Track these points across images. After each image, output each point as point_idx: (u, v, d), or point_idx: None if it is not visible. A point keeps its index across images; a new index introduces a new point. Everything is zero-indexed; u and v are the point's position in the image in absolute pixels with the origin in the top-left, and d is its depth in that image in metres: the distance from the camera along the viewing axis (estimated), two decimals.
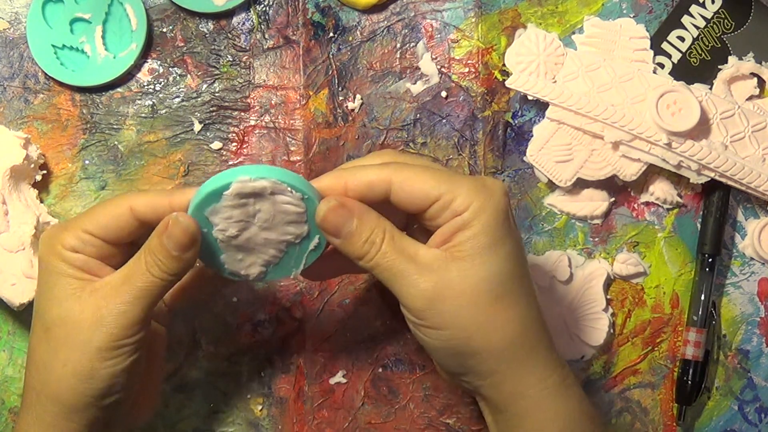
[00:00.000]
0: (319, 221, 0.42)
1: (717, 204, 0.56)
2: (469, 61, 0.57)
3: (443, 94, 0.56)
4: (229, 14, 0.56)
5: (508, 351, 0.42)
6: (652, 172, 0.56)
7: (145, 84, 0.56)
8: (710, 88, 0.56)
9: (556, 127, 0.55)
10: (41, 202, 0.55)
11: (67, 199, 0.55)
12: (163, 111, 0.56)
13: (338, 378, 0.55)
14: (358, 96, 0.56)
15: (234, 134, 0.56)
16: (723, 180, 0.55)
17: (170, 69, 0.56)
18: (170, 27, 0.56)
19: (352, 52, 0.56)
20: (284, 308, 0.55)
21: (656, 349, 0.57)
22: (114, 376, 0.42)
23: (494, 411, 0.44)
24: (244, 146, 0.56)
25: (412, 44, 0.57)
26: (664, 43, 0.57)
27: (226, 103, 0.56)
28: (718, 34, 0.57)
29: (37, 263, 0.44)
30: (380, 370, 0.56)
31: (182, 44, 0.56)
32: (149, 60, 0.56)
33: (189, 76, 0.56)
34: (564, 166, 0.55)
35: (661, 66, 0.56)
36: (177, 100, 0.56)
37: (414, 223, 0.46)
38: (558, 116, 0.55)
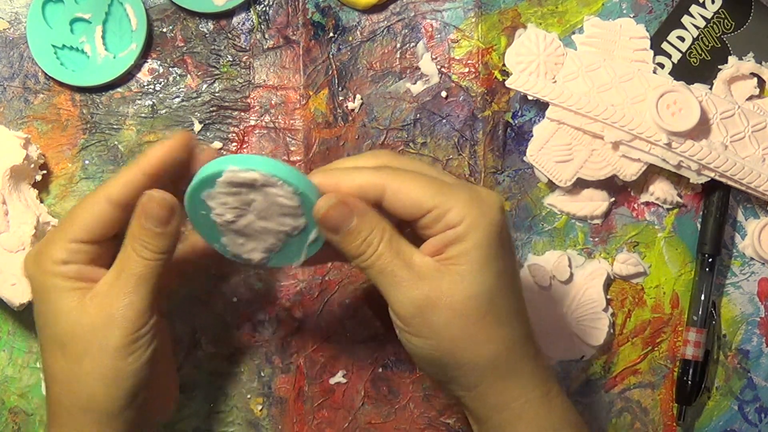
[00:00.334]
0: (318, 217, 0.42)
1: (717, 204, 0.56)
2: (469, 61, 0.57)
3: (443, 94, 0.56)
4: (229, 14, 0.56)
5: (493, 366, 0.42)
6: (652, 172, 0.56)
7: (145, 84, 0.56)
8: (710, 88, 0.56)
9: (556, 127, 0.55)
10: (41, 202, 0.55)
11: (67, 199, 0.55)
12: (163, 111, 0.56)
13: (338, 378, 0.55)
14: (358, 96, 0.56)
15: (234, 134, 0.56)
16: (723, 180, 0.55)
17: (170, 69, 0.56)
18: (170, 27, 0.56)
19: (352, 52, 0.56)
20: (284, 308, 0.55)
21: (656, 349, 0.57)
22: (139, 371, 0.42)
23: (477, 421, 0.45)
24: (244, 146, 0.56)
25: (412, 44, 0.57)
26: (664, 43, 0.57)
27: (226, 103, 0.56)
28: (718, 34, 0.57)
29: (31, 282, 0.44)
30: (380, 370, 0.56)
31: (182, 44, 0.56)
32: (149, 60, 0.56)
33: (189, 76, 0.56)
34: (564, 166, 0.55)
35: (661, 66, 0.56)
36: (177, 100, 0.56)
37: (406, 227, 0.45)
38: (558, 116, 0.55)
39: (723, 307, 0.57)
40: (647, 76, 0.55)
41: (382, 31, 0.57)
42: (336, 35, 0.56)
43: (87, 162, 0.55)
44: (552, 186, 0.56)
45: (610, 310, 0.56)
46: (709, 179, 0.55)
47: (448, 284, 0.41)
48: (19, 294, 0.50)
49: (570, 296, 0.56)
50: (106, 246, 0.44)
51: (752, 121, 0.55)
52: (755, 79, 0.57)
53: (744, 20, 0.57)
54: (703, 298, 0.56)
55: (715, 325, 0.57)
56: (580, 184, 0.56)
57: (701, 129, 0.54)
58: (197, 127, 0.56)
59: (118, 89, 0.56)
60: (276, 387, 0.55)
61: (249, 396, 0.55)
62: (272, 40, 0.56)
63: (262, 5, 0.56)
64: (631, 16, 0.57)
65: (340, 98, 0.56)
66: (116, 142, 0.56)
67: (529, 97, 0.55)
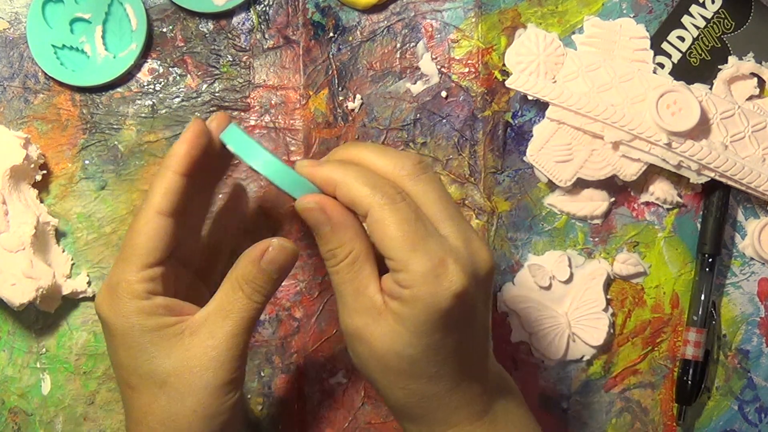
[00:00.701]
0: (299, 209, 0.42)
1: (717, 204, 0.56)
2: (469, 61, 0.57)
3: (443, 94, 0.56)
4: (229, 14, 0.56)
5: (404, 410, 0.43)
6: (652, 172, 0.56)
7: (145, 84, 0.56)
8: (710, 88, 0.56)
9: (556, 127, 0.55)
10: (41, 202, 0.55)
11: (67, 199, 0.55)
12: (163, 111, 0.56)
13: (338, 378, 0.55)
14: (358, 96, 0.56)
15: None
16: (723, 180, 0.55)
17: (170, 69, 0.56)
18: (170, 27, 0.56)
19: (352, 52, 0.56)
20: (284, 308, 0.56)
21: (656, 349, 0.57)
22: (233, 407, 0.44)
23: None
24: None
25: (412, 44, 0.57)
26: (664, 43, 0.57)
27: (226, 103, 0.56)
28: (718, 34, 0.57)
29: (111, 328, 0.43)
30: None
31: (182, 44, 0.56)
32: (149, 60, 0.56)
33: (189, 76, 0.56)
34: (564, 166, 0.55)
35: (661, 66, 0.56)
36: (177, 100, 0.56)
37: None
38: (558, 116, 0.55)
39: (723, 307, 0.57)
40: (647, 76, 0.55)
41: (382, 31, 0.57)
42: (336, 35, 0.56)
43: (87, 162, 0.55)
44: (552, 186, 0.56)
45: (610, 310, 0.56)
46: (709, 179, 0.55)
47: (380, 331, 0.40)
48: (19, 294, 0.50)
49: (570, 296, 0.56)
50: (167, 267, 0.44)
51: (752, 121, 0.55)
52: (755, 79, 0.57)
53: (744, 20, 0.57)
54: (703, 298, 0.56)
55: (715, 325, 0.57)
56: (580, 184, 0.56)
57: (701, 129, 0.54)
58: None
59: (118, 89, 0.56)
60: (276, 387, 0.55)
61: (249, 396, 0.55)
62: (272, 40, 0.56)
63: (262, 5, 0.56)
64: (631, 16, 0.57)
65: (340, 98, 0.56)
66: (116, 142, 0.56)
67: (529, 97, 0.55)
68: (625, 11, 0.57)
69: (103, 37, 0.55)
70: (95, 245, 0.55)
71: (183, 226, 0.45)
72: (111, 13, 0.55)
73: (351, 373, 0.55)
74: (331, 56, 0.56)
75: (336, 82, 0.56)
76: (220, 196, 0.55)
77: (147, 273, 0.43)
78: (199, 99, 0.56)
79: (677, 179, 0.56)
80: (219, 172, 0.50)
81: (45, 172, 0.55)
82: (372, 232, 0.40)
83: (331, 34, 0.56)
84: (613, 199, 0.56)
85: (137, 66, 0.56)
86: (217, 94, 0.56)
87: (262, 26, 0.56)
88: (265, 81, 0.56)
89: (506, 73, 0.56)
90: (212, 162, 0.45)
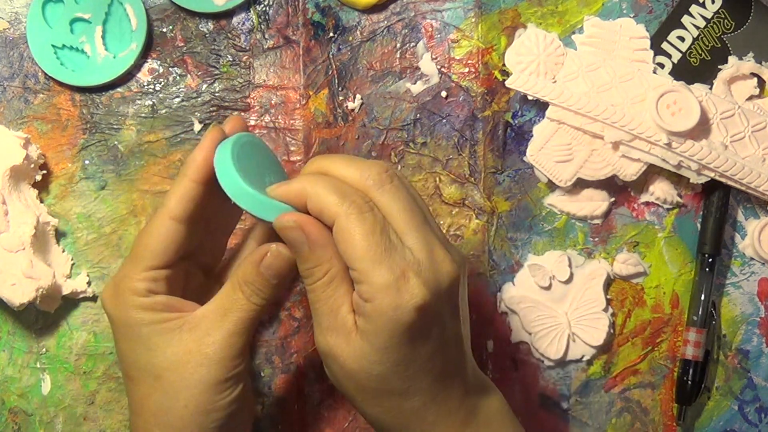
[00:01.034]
0: (276, 229, 0.42)
1: (717, 204, 0.56)
2: (469, 61, 0.57)
3: (443, 94, 0.56)
4: (229, 14, 0.56)
5: (379, 424, 0.43)
6: (652, 172, 0.56)
7: (145, 84, 0.56)
8: (710, 88, 0.56)
9: (556, 127, 0.55)
10: (41, 202, 0.55)
11: (67, 199, 0.55)
12: (163, 111, 0.56)
13: None
14: (358, 96, 0.56)
15: None
16: (723, 180, 0.55)
17: (170, 69, 0.56)
18: (170, 27, 0.56)
19: (352, 52, 0.56)
20: (284, 308, 0.55)
21: (656, 349, 0.57)
22: (229, 405, 0.44)
23: None
24: None
25: (412, 44, 0.57)
26: (664, 43, 0.57)
27: (226, 103, 0.56)
28: (718, 34, 0.57)
29: (113, 320, 0.44)
30: None
31: (182, 44, 0.56)
32: (149, 60, 0.56)
33: (189, 76, 0.56)
34: (564, 166, 0.55)
35: (661, 66, 0.56)
36: (177, 100, 0.56)
37: None
38: (558, 116, 0.55)
39: (723, 307, 0.57)
40: (647, 76, 0.55)
41: (382, 31, 0.57)
42: (336, 35, 0.56)
43: (87, 162, 0.55)
44: (552, 186, 0.56)
45: (610, 310, 0.56)
46: (709, 179, 0.55)
47: (350, 351, 0.41)
48: (19, 294, 0.50)
49: (570, 296, 0.56)
50: (176, 269, 0.45)
51: (752, 121, 0.55)
52: (755, 79, 0.57)
53: (744, 20, 0.57)
54: (703, 298, 0.56)
55: (715, 325, 0.57)
56: (580, 184, 0.56)
57: (701, 129, 0.54)
58: (197, 127, 0.56)
59: (118, 89, 0.56)
60: (276, 387, 0.55)
61: None
62: (272, 40, 0.56)
63: (262, 5, 0.56)
64: (631, 16, 0.57)
65: (340, 98, 0.56)
66: (116, 142, 0.56)
67: (529, 97, 0.55)
68: (625, 11, 0.57)
69: (103, 37, 0.55)
70: (95, 245, 0.55)
71: (201, 230, 0.46)
72: (111, 13, 0.55)
73: None
74: (331, 56, 0.56)
75: (336, 82, 0.56)
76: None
77: (151, 274, 0.44)
78: (199, 99, 0.56)
79: (677, 179, 0.56)
80: None
81: (45, 172, 0.55)
82: (338, 242, 0.40)
83: (331, 34, 0.56)
84: (613, 199, 0.56)
85: (137, 66, 0.56)
86: (217, 94, 0.56)
87: (262, 26, 0.56)
88: (265, 81, 0.56)
89: (506, 73, 0.56)
90: None
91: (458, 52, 0.57)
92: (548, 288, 0.56)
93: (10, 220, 0.51)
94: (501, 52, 0.56)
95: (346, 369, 0.41)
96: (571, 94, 0.54)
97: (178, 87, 0.56)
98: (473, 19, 0.57)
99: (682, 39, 0.57)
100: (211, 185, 0.43)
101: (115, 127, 0.56)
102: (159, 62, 0.56)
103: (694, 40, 0.57)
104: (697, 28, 0.57)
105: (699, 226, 0.57)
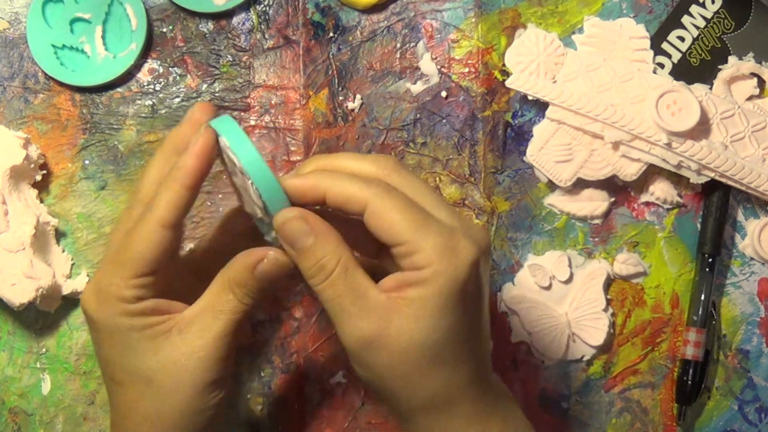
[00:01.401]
0: (276, 227, 0.41)
1: (717, 204, 0.56)
2: (469, 61, 0.57)
3: (443, 94, 0.56)
4: (229, 14, 0.56)
5: (426, 407, 0.42)
6: (652, 172, 0.56)
7: (145, 84, 0.56)
8: (710, 88, 0.56)
9: (556, 127, 0.55)
10: (41, 202, 0.55)
11: (67, 199, 0.55)
12: (163, 111, 0.56)
13: (338, 378, 0.55)
14: (358, 96, 0.56)
15: None
16: (723, 180, 0.55)
17: (170, 69, 0.56)
18: (170, 27, 0.56)
19: (352, 52, 0.56)
20: (284, 308, 0.55)
21: (656, 349, 0.57)
22: (218, 405, 0.43)
23: None
24: None
25: (412, 44, 0.57)
26: (664, 43, 0.57)
27: (226, 103, 0.56)
28: (718, 34, 0.57)
29: (97, 324, 0.43)
30: None
31: (182, 44, 0.56)
32: (149, 60, 0.56)
33: (189, 76, 0.56)
34: (564, 166, 0.55)
35: (661, 66, 0.56)
36: (177, 100, 0.56)
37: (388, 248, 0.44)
38: (558, 116, 0.55)
39: (723, 307, 0.57)
40: (647, 76, 0.55)
41: (382, 31, 0.57)
42: (336, 35, 0.56)
43: (87, 162, 0.55)
44: (552, 186, 0.56)
45: (610, 310, 0.56)
46: (709, 179, 0.55)
47: (396, 327, 0.40)
48: (19, 294, 0.50)
49: (570, 296, 0.56)
50: (162, 271, 0.43)
51: (752, 121, 0.55)
52: (755, 79, 0.57)
53: (744, 20, 0.57)
54: (703, 298, 0.56)
55: (715, 325, 0.57)
56: (580, 184, 0.56)
57: (701, 129, 0.54)
58: None
59: (118, 89, 0.56)
60: (276, 387, 0.55)
61: (249, 396, 0.55)
62: (272, 40, 0.56)
63: (262, 5, 0.56)
64: (631, 16, 0.57)
65: (340, 98, 0.56)
66: (116, 142, 0.56)
67: (529, 97, 0.55)
68: (625, 11, 0.57)
69: (103, 37, 0.55)
70: (95, 245, 0.55)
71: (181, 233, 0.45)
72: (111, 13, 0.55)
73: (351, 373, 0.55)
74: (331, 56, 0.56)
75: (336, 82, 0.56)
76: (220, 196, 0.55)
77: (140, 281, 0.42)
78: (199, 99, 0.56)
79: (677, 179, 0.56)
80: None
81: (45, 172, 0.55)
82: (375, 224, 0.40)
83: (331, 34, 0.56)
84: (613, 199, 0.56)
85: (137, 66, 0.56)
86: (217, 94, 0.56)
87: (262, 26, 0.56)
88: (265, 81, 0.56)
89: (506, 73, 0.56)
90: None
91: (458, 52, 0.57)
92: (548, 288, 0.56)
93: (10, 220, 0.51)
94: (501, 52, 0.56)
95: (392, 351, 0.40)
96: (571, 94, 0.54)
97: (178, 87, 0.56)
98: (473, 19, 0.57)
99: (682, 39, 0.57)
100: (198, 186, 0.42)
101: (115, 127, 0.56)
102: (159, 62, 0.56)
103: (694, 40, 0.57)
104: (697, 28, 0.57)
105: (699, 226, 0.57)
